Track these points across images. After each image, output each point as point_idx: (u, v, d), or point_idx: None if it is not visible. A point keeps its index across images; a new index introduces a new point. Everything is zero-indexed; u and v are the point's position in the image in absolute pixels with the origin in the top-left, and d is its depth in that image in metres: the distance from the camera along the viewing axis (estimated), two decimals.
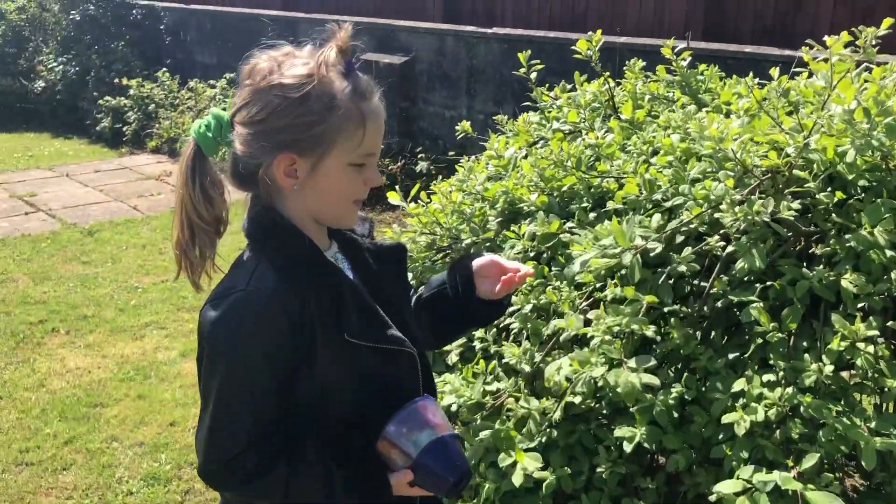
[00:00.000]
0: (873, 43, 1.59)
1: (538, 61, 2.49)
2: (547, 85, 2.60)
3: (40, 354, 4.01)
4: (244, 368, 1.19)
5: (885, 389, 1.45)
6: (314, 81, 1.18)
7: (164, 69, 9.35)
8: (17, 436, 3.30)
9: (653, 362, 1.58)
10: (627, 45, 5.07)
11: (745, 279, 1.63)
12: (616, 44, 4.69)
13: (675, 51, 2.34)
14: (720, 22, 5.22)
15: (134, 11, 10.27)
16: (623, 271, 1.68)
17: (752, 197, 1.57)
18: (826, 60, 1.84)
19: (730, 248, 1.54)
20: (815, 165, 1.62)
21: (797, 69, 2.17)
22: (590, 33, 2.36)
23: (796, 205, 1.59)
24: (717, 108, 2.17)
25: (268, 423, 1.21)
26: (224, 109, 1.28)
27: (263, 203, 1.27)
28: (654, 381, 1.55)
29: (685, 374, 1.63)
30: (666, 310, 1.65)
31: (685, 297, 1.72)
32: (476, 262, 1.44)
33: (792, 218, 1.53)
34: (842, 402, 1.49)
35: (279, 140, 1.19)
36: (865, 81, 1.77)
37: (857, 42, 1.61)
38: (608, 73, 2.37)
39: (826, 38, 1.58)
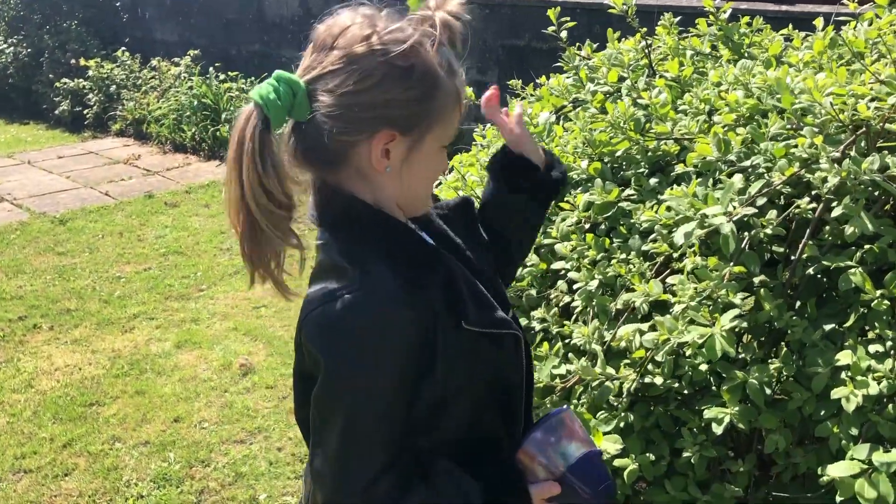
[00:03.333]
0: None
1: (568, 18, 2.33)
2: (577, 45, 2.44)
3: (24, 353, 3.78)
4: (376, 384, 1.04)
5: None
6: (421, 54, 1.04)
7: (123, 48, 8.96)
8: (10, 441, 3.09)
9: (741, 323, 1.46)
10: (664, 7, 4.93)
11: (839, 243, 1.51)
12: (652, 5, 4.56)
13: (717, 5, 2.20)
14: None
15: None
16: (704, 240, 1.55)
17: (852, 153, 1.44)
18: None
19: (836, 212, 1.42)
20: None
21: (844, 17, 2.06)
22: None
23: (890, 160, 1.47)
24: (766, 62, 2.04)
25: (399, 442, 1.07)
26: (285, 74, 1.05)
27: (338, 189, 1.10)
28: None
29: (776, 348, 1.51)
30: (756, 280, 1.53)
31: (768, 266, 1.60)
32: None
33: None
34: None
35: (381, 115, 1.04)
36: None
37: None
38: (644, 30, 2.23)
39: None
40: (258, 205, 1.02)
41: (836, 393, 1.39)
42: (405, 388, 1.05)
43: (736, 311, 1.47)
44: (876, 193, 1.55)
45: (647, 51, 2.22)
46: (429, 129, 1.08)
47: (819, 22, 2.06)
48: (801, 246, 1.52)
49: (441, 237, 1.22)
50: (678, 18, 2.30)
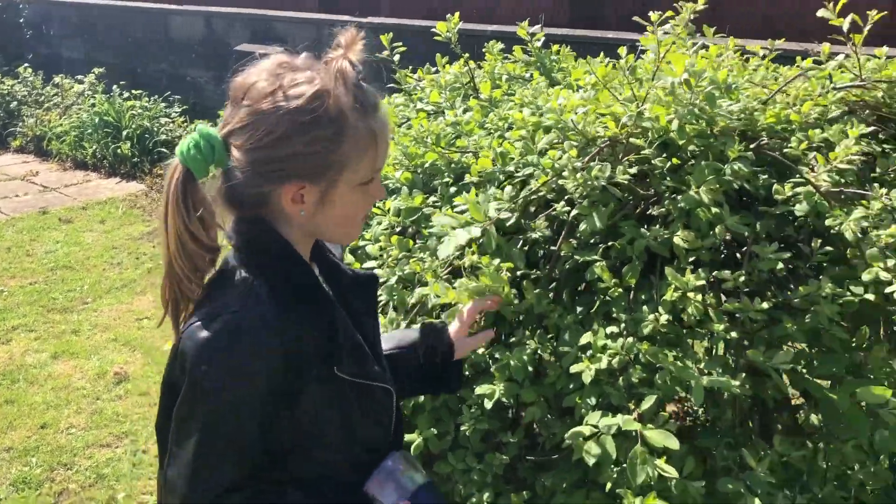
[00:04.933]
0: (691, 18, 1.73)
1: (400, 44, 2.55)
2: (410, 68, 2.66)
3: None
4: (234, 401, 1.09)
5: (713, 334, 1.59)
6: (325, 103, 1.07)
7: (27, 65, 8.87)
8: None
9: None
10: (496, 33, 5.22)
11: (591, 241, 1.75)
12: (486, 31, 4.83)
13: (530, 32, 2.45)
14: (587, 11, 5.47)
15: None
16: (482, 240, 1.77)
17: (592, 164, 1.68)
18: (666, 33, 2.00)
19: (574, 212, 1.65)
20: (649, 133, 1.75)
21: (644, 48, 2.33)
22: (449, 16, 2.43)
23: (633, 170, 1.71)
24: (568, 85, 2.29)
25: (252, 464, 1.14)
26: (213, 125, 1.15)
27: (259, 223, 1.16)
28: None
29: (538, 332, 1.73)
30: (519, 273, 1.74)
31: (540, 262, 1.82)
32: (453, 330, 1.54)
33: (626, 181, 1.65)
34: (677, 348, 1.62)
35: (287, 168, 1.09)
36: (702, 57, 1.92)
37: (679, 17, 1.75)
38: (468, 55, 2.46)
39: (651, 13, 1.71)
40: (185, 249, 1.10)
41: (574, 368, 1.61)
42: (263, 413, 1.11)
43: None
44: (630, 198, 1.80)
45: (471, 73, 2.45)
46: (339, 175, 1.12)
47: (622, 50, 2.32)
48: (559, 244, 1.75)
49: (338, 288, 1.29)
50: (501, 46, 2.55)
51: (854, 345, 1.65)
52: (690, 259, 1.68)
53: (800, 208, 1.68)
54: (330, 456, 1.22)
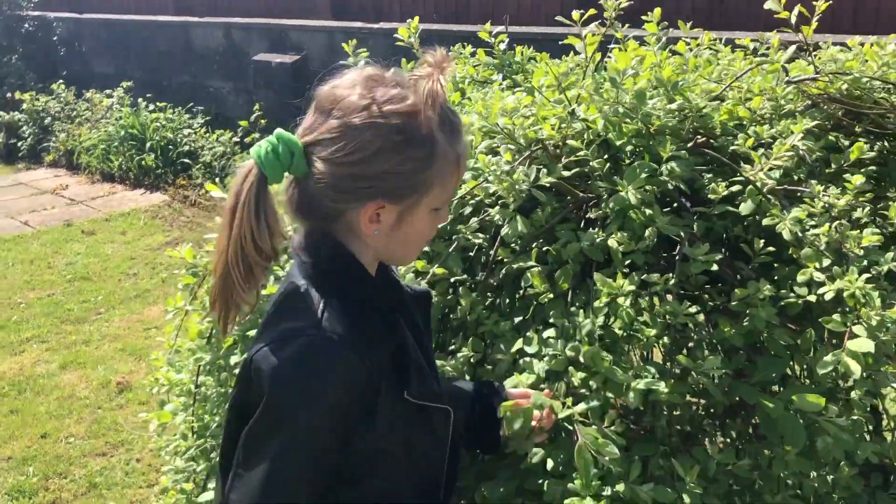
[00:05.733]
0: (615, 15, 1.69)
1: (365, 50, 2.54)
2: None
3: None
4: (314, 425, 1.06)
5: (646, 339, 1.54)
6: (417, 121, 1.04)
7: (60, 81, 9.12)
8: None
9: None
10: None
11: (529, 247, 1.71)
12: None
13: (494, 34, 2.42)
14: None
15: (26, 24, 10.00)
16: None
17: (520, 167, 1.65)
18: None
19: (496, 217, 1.62)
20: (585, 134, 1.71)
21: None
22: (408, 21, 2.41)
23: (567, 173, 1.68)
24: (529, 87, 2.26)
25: (323, 490, 1.10)
26: (290, 130, 1.11)
27: (335, 240, 1.13)
28: None
29: (471, 339, 1.70)
30: (453, 279, 1.72)
31: (478, 268, 1.79)
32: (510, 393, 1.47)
33: (550, 184, 1.61)
34: (614, 353, 1.58)
35: (374, 186, 1.06)
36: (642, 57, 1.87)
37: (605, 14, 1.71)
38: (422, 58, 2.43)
39: (573, 12, 1.67)
40: (245, 254, 1.05)
41: (508, 382, 1.58)
42: (339, 437, 1.08)
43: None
44: (570, 200, 1.76)
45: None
46: (422, 197, 1.09)
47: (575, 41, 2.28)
48: (494, 249, 1.72)
49: (402, 307, 1.24)
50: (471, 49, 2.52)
51: (799, 348, 1.59)
52: (626, 262, 1.64)
53: (744, 207, 1.63)
54: (394, 476, 1.19)
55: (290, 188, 1.11)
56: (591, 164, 1.72)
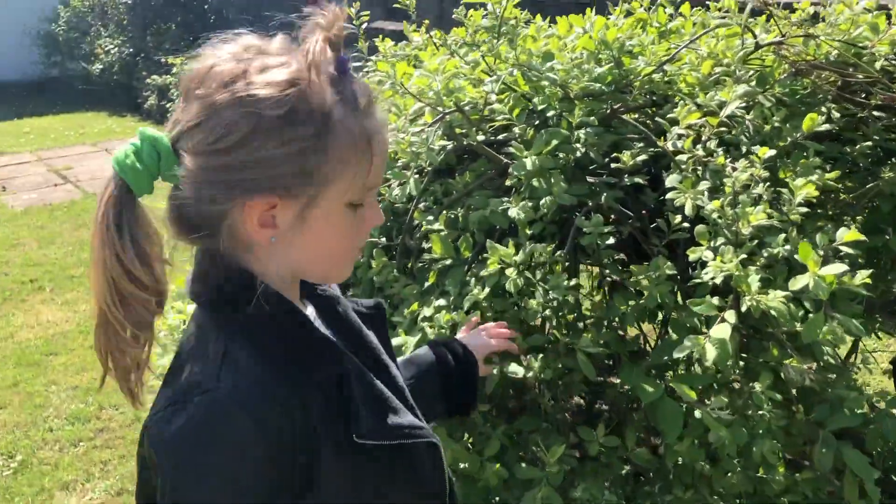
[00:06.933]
0: None
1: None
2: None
3: (20, 309, 4.38)
4: None
5: (528, 311, 1.48)
6: (301, 92, 0.82)
7: None
8: None
9: None
10: None
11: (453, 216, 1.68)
12: None
13: None
14: None
15: None
16: None
17: (431, 129, 1.62)
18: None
19: (390, 177, 1.60)
20: (507, 98, 1.65)
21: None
22: None
23: (480, 137, 1.63)
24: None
25: None
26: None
27: (225, 260, 0.90)
28: None
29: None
30: (371, 240, 1.72)
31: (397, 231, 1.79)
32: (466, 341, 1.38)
33: (442, 147, 1.57)
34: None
35: (251, 178, 0.84)
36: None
37: None
38: (427, 22, 2.41)
39: None
40: (116, 287, 0.84)
41: (396, 341, 1.58)
42: None
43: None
44: (491, 165, 1.71)
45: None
46: (324, 188, 0.86)
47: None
48: (410, 213, 1.70)
49: (345, 327, 1.04)
50: None
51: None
52: (529, 232, 1.57)
53: (670, 179, 1.52)
54: None
55: (169, 200, 0.89)
56: (515, 129, 1.66)
